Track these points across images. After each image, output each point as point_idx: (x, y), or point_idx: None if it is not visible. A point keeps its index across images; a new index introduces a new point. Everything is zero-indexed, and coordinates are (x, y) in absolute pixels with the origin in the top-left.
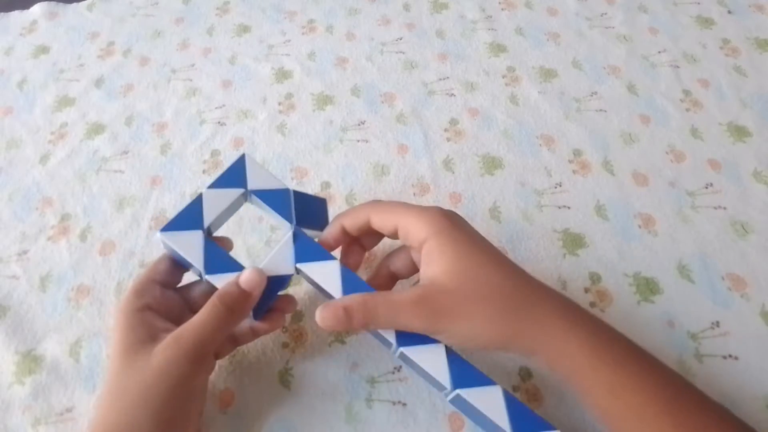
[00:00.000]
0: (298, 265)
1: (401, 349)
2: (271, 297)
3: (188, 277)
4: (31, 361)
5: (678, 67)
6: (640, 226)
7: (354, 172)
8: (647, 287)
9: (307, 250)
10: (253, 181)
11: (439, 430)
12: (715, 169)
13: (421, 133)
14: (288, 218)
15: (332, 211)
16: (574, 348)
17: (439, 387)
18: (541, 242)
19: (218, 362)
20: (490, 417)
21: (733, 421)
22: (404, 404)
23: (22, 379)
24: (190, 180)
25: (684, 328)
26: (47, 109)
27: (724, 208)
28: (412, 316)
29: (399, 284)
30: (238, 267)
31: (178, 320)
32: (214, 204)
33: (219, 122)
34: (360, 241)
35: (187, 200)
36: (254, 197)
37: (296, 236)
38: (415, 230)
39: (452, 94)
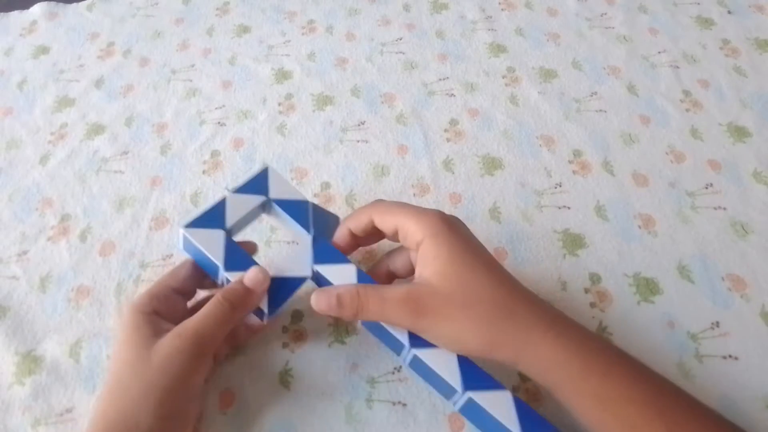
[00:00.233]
0: (316, 267)
1: (413, 350)
2: (286, 296)
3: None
4: (31, 361)
5: (678, 67)
6: (640, 227)
7: (354, 172)
8: (647, 288)
9: (325, 254)
10: (275, 191)
11: (439, 430)
12: (715, 170)
13: (421, 134)
14: (306, 228)
15: (333, 212)
16: (562, 358)
17: (449, 391)
18: (541, 243)
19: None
20: (500, 420)
21: (727, 425)
22: (404, 404)
23: (22, 379)
24: (190, 180)
25: (684, 328)
26: (47, 110)
27: (724, 209)
28: (399, 310)
29: (396, 282)
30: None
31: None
32: (236, 207)
33: (219, 123)
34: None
35: (188, 201)
36: (275, 206)
37: (315, 240)
38: (412, 231)
39: (452, 95)
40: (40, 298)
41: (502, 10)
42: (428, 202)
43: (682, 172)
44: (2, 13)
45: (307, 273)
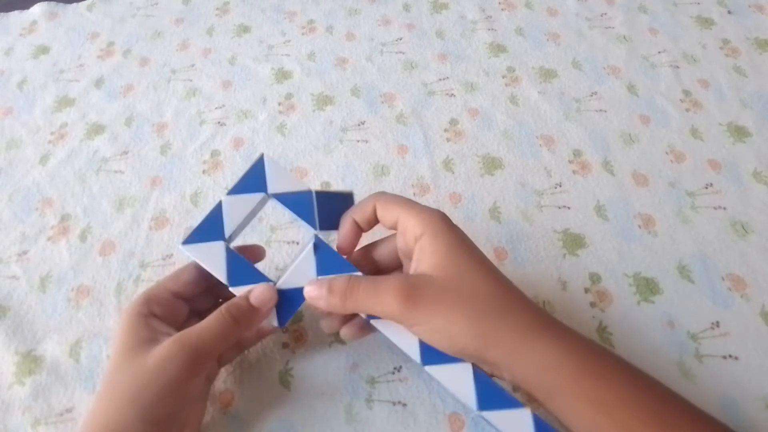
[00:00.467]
0: (320, 278)
1: (425, 368)
2: (294, 308)
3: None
4: (31, 361)
5: (678, 67)
6: (640, 227)
7: (354, 172)
8: (647, 287)
9: (328, 263)
10: (274, 185)
11: (439, 430)
12: (715, 170)
13: (421, 134)
14: (311, 223)
15: None
16: (557, 359)
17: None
18: (541, 242)
19: None
20: None
21: (722, 429)
22: (404, 404)
23: (22, 379)
24: (190, 180)
25: (684, 328)
26: (47, 110)
27: (724, 209)
28: (392, 298)
29: None
30: (261, 278)
31: (181, 329)
32: (234, 212)
33: (219, 122)
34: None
35: (187, 201)
36: (275, 202)
37: (317, 247)
38: (413, 225)
39: (452, 95)
40: (40, 298)
41: (502, 10)
42: (428, 201)
43: (682, 171)
44: (2, 13)
45: None
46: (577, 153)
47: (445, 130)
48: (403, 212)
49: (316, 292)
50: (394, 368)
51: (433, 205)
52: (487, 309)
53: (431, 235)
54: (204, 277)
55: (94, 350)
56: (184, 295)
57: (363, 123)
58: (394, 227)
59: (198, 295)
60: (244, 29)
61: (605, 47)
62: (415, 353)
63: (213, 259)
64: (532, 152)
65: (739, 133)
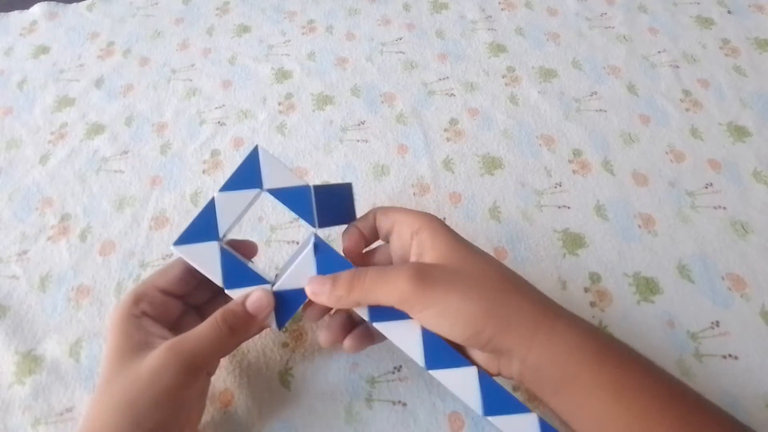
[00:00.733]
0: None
1: (429, 371)
2: (293, 310)
3: None
4: (31, 361)
5: (678, 67)
6: (640, 226)
7: (354, 172)
8: (647, 287)
9: (329, 263)
10: (270, 180)
11: (439, 430)
12: (715, 169)
13: (421, 133)
14: (309, 220)
15: None
16: (580, 342)
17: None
18: (541, 242)
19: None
20: None
21: (732, 420)
22: (404, 404)
23: (22, 379)
24: (190, 180)
25: (684, 327)
26: (47, 109)
27: (724, 208)
28: (405, 280)
29: None
30: (258, 279)
31: (176, 327)
32: (228, 209)
33: (219, 122)
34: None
35: (187, 200)
36: (271, 198)
37: (317, 247)
38: (410, 222)
39: (452, 94)
40: (40, 298)
41: (502, 9)
42: (428, 201)
43: (682, 171)
44: (2, 13)
45: None
46: (577, 153)
47: (445, 130)
48: (399, 215)
49: (318, 287)
50: (394, 368)
51: (433, 205)
52: (501, 290)
53: (430, 229)
54: (192, 273)
55: (94, 350)
56: (174, 292)
57: (363, 123)
58: (389, 233)
59: (190, 291)
60: (244, 29)
61: (605, 47)
62: (419, 357)
63: (207, 261)
64: (532, 152)
65: (739, 132)
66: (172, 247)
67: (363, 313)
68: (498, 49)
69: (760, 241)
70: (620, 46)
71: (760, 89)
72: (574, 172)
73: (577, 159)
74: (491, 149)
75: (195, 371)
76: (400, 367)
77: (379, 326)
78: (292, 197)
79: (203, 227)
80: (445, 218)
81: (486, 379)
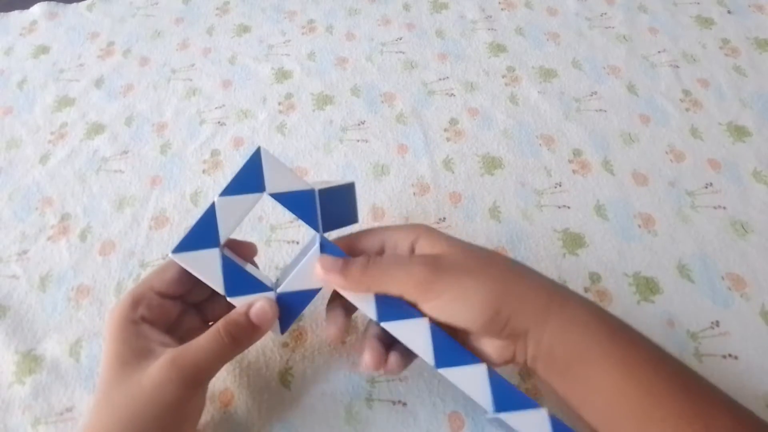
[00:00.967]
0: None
1: (439, 370)
2: (297, 312)
3: None
4: (31, 360)
5: (678, 67)
6: (640, 226)
7: (354, 172)
8: (647, 287)
9: None
10: (273, 183)
11: (439, 430)
12: (715, 169)
13: (421, 133)
14: (314, 225)
15: None
16: (591, 318)
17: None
18: (541, 242)
19: None
20: None
21: (737, 404)
22: (404, 404)
23: (22, 378)
24: (190, 180)
25: (684, 327)
26: (47, 109)
27: (724, 208)
28: (421, 266)
29: None
30: (260, 287)
31: (175, 327)
32: (229, 215)
33: (219, 122)
34: None
35: (187, 200)
36: (274, 201)
37: (324, 247)
38: (403, 237)
39: (452, 94)
40: (40, 298)
41: (502, 9)
42: (428, 201)
43: (682, 171)
44: (2, 13)
45: (319, 284)
46: (577, 152)
47: (445, 130)
48: (389, 232)
49: (331, 264)
50: None
51: (433, 205)
52: (512, 271)
53: (427, 236)
54: (188, 276)
55: (94, 349)
56: (171, 294)
57: (363, 123)
58: (381, 251)
59: (188, 290)
60: (244, 29)
61: (605, 47)
62: (429, 356)
63: (207, 269)
64: (532, 152)
65: (739, 132)
66: (170, 255)
67: (371, 312)
68: (498, 49)
69: (760, 240)
70: (620, 46)
71: (760, 89)
72: (574, 172)
73: (577, 159)
74: (491, 149)
75: (197, 385)
76: None
77: (387, 326)
78: (296, 202)
79: (203, 233)
80: (445, 218)
81: (495, 376)
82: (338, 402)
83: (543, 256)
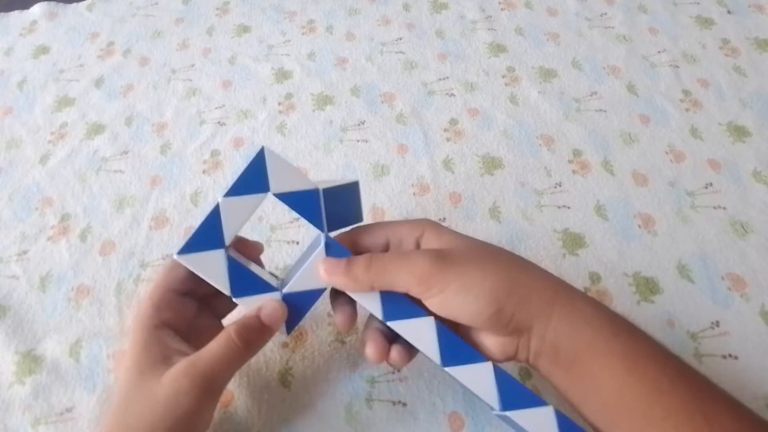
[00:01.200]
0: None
1: (445, 369)
2: (303, 312)
3: None
4: (31, 361)
5: (678, 67)
6: (639, 226)
7: (354, 172)
8: (647, 287)
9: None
10: (277, 183)
11: (439, 430)
12: (714, 169)
13: (421, 133)
14: (318, 225)
15: None
16: (595, 312)
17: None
18: (541, 242)
19: None
20: None
21: (738, 402)
22: (404, 404)
23: (22, 378)
24: (190, 180)
25: (684, 327)
26: (47, 109)
27: (724, 208)
28: (426, 259)
29: None
30: (266, 287)
31: (192, 328)
32: (234, 215)
33: (219, 122)
34: None
35: (187, 200)
36: (278, 202)
37: (329, 247)
38: (408, 232)
39: (452, 94)
40: (40, 298)
41: (502, 9)
42: (428, 201)
43: (681, 171)
44: (2, 13)
45: (325, 284)
46: (576, 153)
47: (445, 130)
48: (392, 228)
49: (334, 267)
50: None
51: (433, 205)
52: (516, 264)
53: (433, 230)
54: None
55: (94, 350)
56: (188, 290)
57: (363, 123)
58: (385, 248)
59: (199, 284)
60: (244, 29)
61: (605, 47)
62: (435, 354)
63: (213, 270)
64: (532, 152)
65: (739, 132)
66: (175, 257)
67: (377, 311)
68: (498, 49)
69: (760, 241)
70: (620, 46)
71: (760, 89)
72: (574, 172)
73: (577, 159)
74: (491, 149)
75: (210, 393)
76: None
77: (393, 325)
78: (301, 201)
79: (208, 235)
80: (444, 218)
81: (502, 374)
82: (338, 402)
83: (543, 256)
